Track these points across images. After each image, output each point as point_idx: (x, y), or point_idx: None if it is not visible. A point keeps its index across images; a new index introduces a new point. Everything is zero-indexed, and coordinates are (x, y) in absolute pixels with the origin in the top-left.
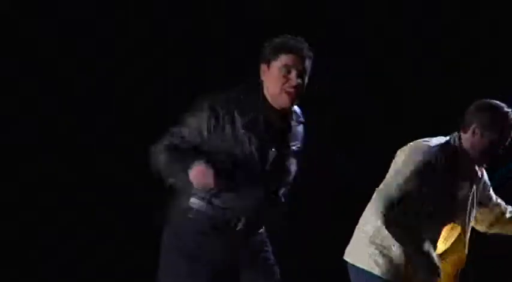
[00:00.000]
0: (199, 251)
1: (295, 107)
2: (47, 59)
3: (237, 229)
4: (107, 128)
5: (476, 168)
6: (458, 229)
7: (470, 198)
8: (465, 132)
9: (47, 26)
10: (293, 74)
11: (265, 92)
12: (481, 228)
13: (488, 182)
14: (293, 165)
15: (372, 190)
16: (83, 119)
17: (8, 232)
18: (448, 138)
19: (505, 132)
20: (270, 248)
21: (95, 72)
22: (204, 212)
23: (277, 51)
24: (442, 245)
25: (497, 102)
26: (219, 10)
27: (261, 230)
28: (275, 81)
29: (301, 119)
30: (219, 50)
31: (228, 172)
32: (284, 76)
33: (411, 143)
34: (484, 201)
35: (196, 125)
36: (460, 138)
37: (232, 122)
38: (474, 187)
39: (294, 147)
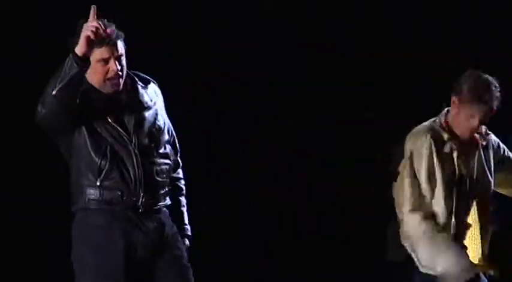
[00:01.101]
0: (104, 243)
1: (132, 74)
2: (47, 59)
3: (139, 205)
4: None
5: (477, 137)
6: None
7: (476, 169)
8: (449, 105)
9: (47, 26)
10: (111, 62)
11: (89, 79)
12: (507, 192)
13: (502, 145)
14: (160, 122)
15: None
16: None
17: (8, 232)
18: (436, 118)
19: (484, 105)
20: (183, 246)
21: None
22: (102, 199)
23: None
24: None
25: (484, 75)
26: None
27: (163, 203)
28: (97, 74)
29: (148, 79)
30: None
31: (102, 149)
32: (103, 67)
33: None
34: (505, 164)
35: None
36: (447, 113)
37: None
38: (477, 156)
39: (151, 104)
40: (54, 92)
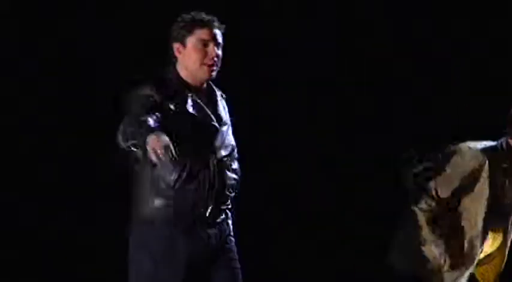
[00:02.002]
0: (167, 253)
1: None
2: (48, 58)
3: (207, 216)
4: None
5: None
6: (501, 234)
7: None
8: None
9: (48, 26)
10: (210, 46)
11: (180, 70)
12: None
13: None
14: (232, 139)
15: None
16: (86, 119)
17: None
18: (495, 143)
19: None
20: (235, 248)
21: (95, 72)
22: (173, 208)
23: (191, 27)
24: (488, 248)
25: None
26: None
27: (227, 216)
28: (193, 56)
29: (222, 94)
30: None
31: (182, 159)
32: (202, 50)
33: (457, 146)
34: None
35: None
36: (508, 144)
37: (172, 102)
38: None
39: (227, 119)
40: (125, 145)
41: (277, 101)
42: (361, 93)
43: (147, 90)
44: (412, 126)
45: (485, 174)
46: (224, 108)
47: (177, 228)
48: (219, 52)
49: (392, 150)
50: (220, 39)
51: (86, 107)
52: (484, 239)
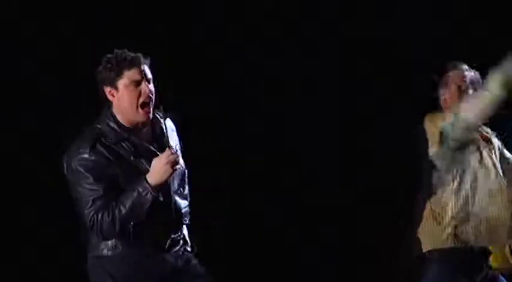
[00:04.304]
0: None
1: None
2: (48, 58)
3: (166, 247)
4: None
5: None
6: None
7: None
8: None
9: (47, 26)
10: (143, 85)
11: (116, 114)
12: None
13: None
14: (182, 163)
15: None
16: (86, 119)
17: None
18: None
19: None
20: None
21: (95, 72)
22: (138, 237)
23: (119, 70)
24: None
25: None
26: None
27: (187, 248)
28: (128, 98)
29: (165, 115)
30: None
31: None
32: (135, 90)
33: None
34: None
35: (96, 172)
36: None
37: (118, 155)
38: (484, 152)
39: (177, 147)
40: (118, 227)
41: (278, 101)
42: (361, 93)
43: (89, 163)
44: (412, 126)
45: None
46: (171, 134)
47: (140, 255)
48: (151, 87)
49: (392, 150)
50: (149, 73)
51: (86, 107)
52: None
